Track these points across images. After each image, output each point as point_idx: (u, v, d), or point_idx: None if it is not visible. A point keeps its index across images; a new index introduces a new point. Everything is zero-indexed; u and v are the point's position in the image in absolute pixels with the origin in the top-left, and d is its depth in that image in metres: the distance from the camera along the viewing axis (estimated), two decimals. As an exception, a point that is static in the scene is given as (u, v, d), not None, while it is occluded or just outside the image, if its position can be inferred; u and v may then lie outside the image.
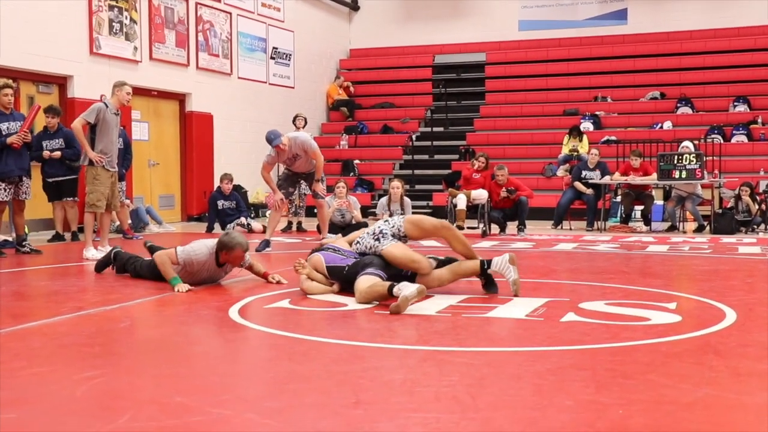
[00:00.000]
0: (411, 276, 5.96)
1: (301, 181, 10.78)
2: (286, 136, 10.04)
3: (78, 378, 3.68)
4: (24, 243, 9.44)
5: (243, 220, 13.18)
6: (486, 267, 5.99)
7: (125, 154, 11.69)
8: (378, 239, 6.09)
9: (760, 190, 14.30)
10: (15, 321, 5.09)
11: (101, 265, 7.61)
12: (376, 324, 5.04)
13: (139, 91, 14.37)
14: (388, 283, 5.53)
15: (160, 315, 5.55)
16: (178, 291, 6.34)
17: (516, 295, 5.86)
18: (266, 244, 9.79)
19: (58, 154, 11.14)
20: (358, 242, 6.25)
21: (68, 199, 11.47)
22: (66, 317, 5.23)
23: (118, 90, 9.25)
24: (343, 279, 6.08)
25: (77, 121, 9.14)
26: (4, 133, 9.17)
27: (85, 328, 4.90)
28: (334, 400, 3.36)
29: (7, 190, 9.30)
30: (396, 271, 5.99)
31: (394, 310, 5.24)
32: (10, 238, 10.20)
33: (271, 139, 9.88)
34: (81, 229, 11.75)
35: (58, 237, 11.43)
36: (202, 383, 3.68)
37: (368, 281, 5.71)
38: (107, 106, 9.10)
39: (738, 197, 13.31)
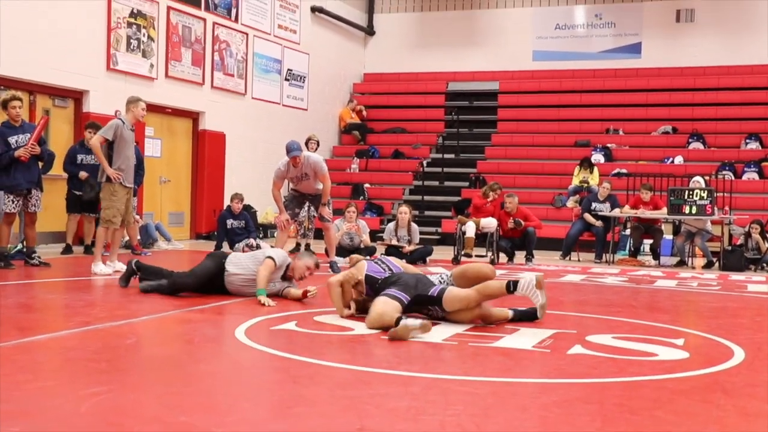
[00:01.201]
0: (437, 296, 5.91)
1: (308, 203, 10.76)
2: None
3: (83, 393, 3.68)
4: (33, 255, 9.47)
5: (252, 240, 13.18)
6: (512, 289, 5.88)
7: (138, 170, 11.67)
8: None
9: (770, 228, 14.23)
10: (21, 334, 5.10)
11: (126, 278, 7.62)
12: (382, 350, 5.03)
13: (153, 108, 14.47)
14: (396, 316, 5.47)
15: (167, 333, 5.55)
16: (267, 305, 6.61)
17: (539, 319, 5.87)
18: None
19: (84, 174, 11.29)
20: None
21: (88, 214, 11.55)
22: (73, 331, 5.23)
23: (133, 106, 9.29)
24: (375, 291, 6.09)
25: (95, 138, 9.23)
26: (13, 146, 9.20)
27: (91, 343, 4.91)
28: (339, 425, 3.35)
29: (16, 202, 9.33)
30: (420, 294, 5.94)
31: (392, 335, 5.23)
32: (21, 247, 10.20)
33: (292, 148, 9.84)
34: (94, 243, 11.82)
35: (68, 249, 11.48)
36: (207, 403, 3.67)
37: (383, 306, 5.65)
38: (124, 123, 9.17)
39: (748, 234, 13.26)
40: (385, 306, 5.67)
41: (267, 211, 17.01)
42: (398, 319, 5.38)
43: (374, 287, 6.14)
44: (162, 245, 13.18)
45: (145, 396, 3.75)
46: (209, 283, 7.24)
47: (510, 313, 6.02)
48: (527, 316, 6.07)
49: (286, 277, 7.20)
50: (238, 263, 7.23)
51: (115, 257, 9.33)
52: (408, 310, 5.90)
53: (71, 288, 7.84)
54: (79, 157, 11.46)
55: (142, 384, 4.00)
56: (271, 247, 12.94)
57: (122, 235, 9.80)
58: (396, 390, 3.98)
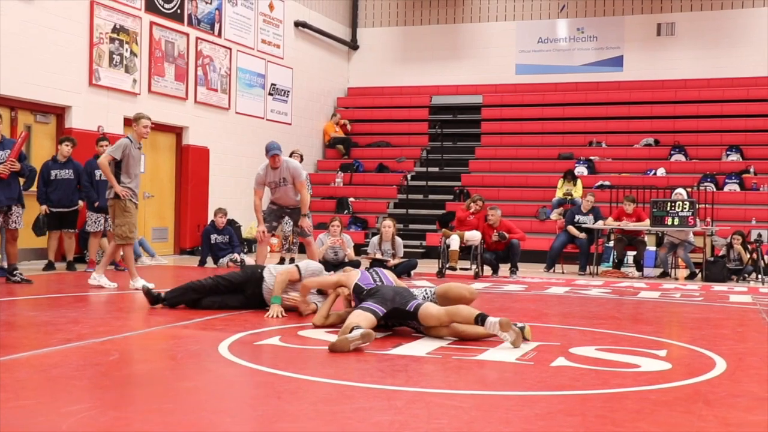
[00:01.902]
0: (413, 310, 5.93)
1: (286, 217, 10.72)
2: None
3: (64, 411, 3.66)
4: (15, 272, 9.41)
5: (236, 255, 13.16)
6: (479, 322, 5.74)
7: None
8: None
9: (752, 239, 14.33)
10: (3, 352, 5.06)
11: (154, 300, 7.50)
12: (365, 364, 5.02)
13: (136, 124, 14.46)
14: (353, 325, 5.49)
15: (150, 349, 5.53)
16: (272, 315, 6.75)
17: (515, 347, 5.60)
18: None
19: (44, 209, 11.35)
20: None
21: (68, 230, 11.53)
22: (54, 349, 5.20)
23: (135, 124, 9.40)
24: (359, 301, 6.15)
25: (103, 156, 9.35)
26: None
27: (73, 361, 4.88)
28: (322, 441, 3.34)
29: None
30: (398, 308, 5.97)
31: (331, 347, 5.27)
32: (4, 265, 10.13)
33: (271, 147, 9.90)
34: (77, 260, 11.80)
35: (50, 266, 11.43)
36: (190, 419, 3.66)
37: (355, 319, 5.68)
38: (131, 141, 9.21)
39: (730, 246, 13.35)
40: (357, 318, 5.69)
41: (251, 225, 16.97)
42: (353, 329, 5.40)
43: (359, 297, 6.20)
44: (146, 261, 13.13)
45: (128, 413, 3.73)
46: (239, 289, 7.33)
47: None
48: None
49: (321, 292, 7.19)
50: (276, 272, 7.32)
51: (102, 270, 9.40)
52: (385, 322, 6.01)
53: (54, 305, 7.79)
54: (53, 172, 11.41)
55: (125, 401, 3.98)
56: (254, 261, 12.97)
57: (117, 250, 9.83)
58: (379, 404, 3.98)
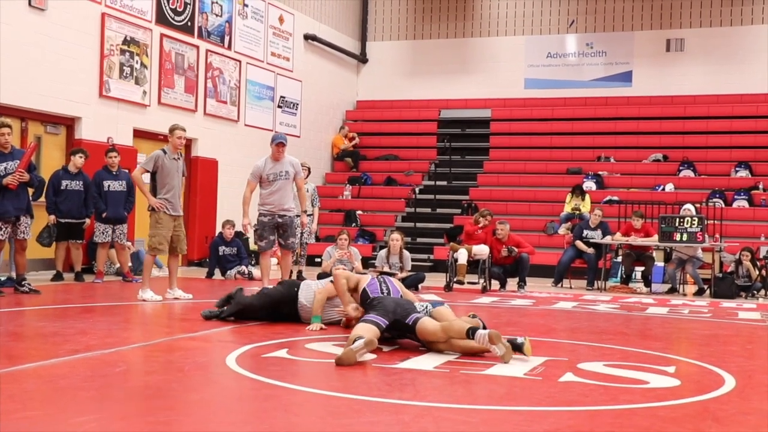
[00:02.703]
0: (411, 324, 5.97)
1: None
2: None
3: (72, 422, 3.66)
4: (23, 283, 9.43)
5: (244, 267, 13.16)
6: (471, 336, 5.71)
7: (128, 197, 11.78)
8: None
9: (761, 256, 14.29)
10: (10, 362, 5.07)
11: (210, 315, 7.54)
12: (373, 377, 5.01)
13: (145, 135, 14.53)
14: (355, 336, 5.51)
15: (157, 361, 5.53)
16: (311, 329, 6.80)
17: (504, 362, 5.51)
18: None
19: (53, 219, 11.35)
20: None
21: (75, 241, 11.56)
22: (62, 360, 5.21)
23: (170, 135, 9.48)
24: (362, 306, 6.22)
25: (136, 170, 9.53)
26: (1, 173, 9.17)
27: (81, 372, 4.88)
28: (329, 455, 3.33)
29: (4, 229, 9.30)
30: (398, 320, 6.00)
31: (337, 361, 5.27)
32: (13, 275, 10.15)
33: (278, 137, 9.92)
34: (85, 270, 11.81)
35: (58, 276, 11.45)
36: (197, 432, 3.66)
37: (359, 332, 5.68)
38: (165, 153, 9.28)
39: (739, 262, 13.30)
40: (360, 330, 5.71)
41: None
42: (354, 340, 5.41)
43: (364, 303, 6.27)
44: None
45: (135, 425, 3.73)
46: (276, 307, 7.38)
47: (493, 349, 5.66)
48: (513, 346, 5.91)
49: None
50: (310, 290, 7.30)
51: (175, 284, 9.49)
52: (388, 333, 6.06)
53: (61, 315, 7.80)
54: (64, 182, 11.42)
55: (132, 413, 3.98)
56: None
57: (178, 263, 9.86)
58: (387, 418, 3.97)
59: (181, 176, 9.52)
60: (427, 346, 5.98)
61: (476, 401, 4.54)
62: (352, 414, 4.05)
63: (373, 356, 5.52)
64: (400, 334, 6.18)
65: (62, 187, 11.41)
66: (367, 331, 5.70)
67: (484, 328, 5.76)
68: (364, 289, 6.37)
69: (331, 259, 11.77)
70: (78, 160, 11.49)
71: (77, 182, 11.47)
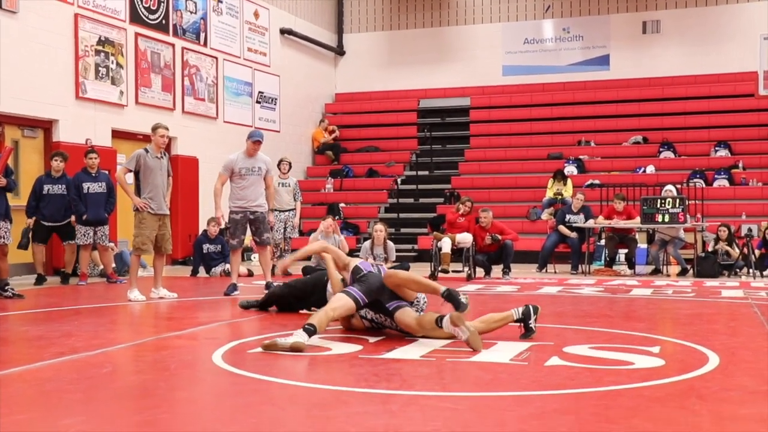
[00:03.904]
0: (391, 309, 6.03)
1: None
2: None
3: (59, 425, 3.65)
4: (6, 288, 9.36)
5: (228, 265, 13.11)
6: (440, 324, 5.74)
7: (108, 198, 11.72)
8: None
9: (742, 234, 14.40)
10: (-4, 367, 5.04)
11: (248, 305, 8.07)
12: (359, 368, 5.02)
13: (124, 135, 14.46)
14: (311, 319, 5.65)
15: (143, 360, 5.51)
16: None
17: (476, 351, 5.48)
18: (233, 287, 9.75)
19: (30, 222, 11.36)
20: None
21: (68, 242, 11.51)
22: (48, 363, 5.19)
23: (152, 134, 9.44)
24: (353, 281, 6.27)
25: (119, 170, 9.57)
26: None
27: (66, 374, 4.87)
28: (317, 447, 3.34)
29: None
30: (379, 301, 6.07)
31: (264, 346, 5.49)
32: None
33: (256, 134, 9.92)
34: (74, 272, 11.75)
35: (40, 279, 11.40)
36: (185, 430, 3.66)
37: (335, 302, 5.93)
38: (148, 152, 9.24)
39: (718, 240, 13.41)
40: (338, 302, 5.93)
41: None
42: (307, 327, 5.53)
43: (354, 277, 6.30)
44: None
45: (122, 425, 3.73)
46: (306, 296, 7.63)
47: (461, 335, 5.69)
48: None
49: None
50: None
51: (160, 283, 9.43)
52: (364, 311, 6.24)
53: (46, 319, 7.77)
54: (46, 187, 11.38)
55: (119, 413, 3.97)
56: (248, 270, 12.96)
57: (164, 262, 9.82)
58: (374, 408, 3.98)
59: (166, 175, 9.46)
60: (400, 330, 6.11)
61: (463, 388, 4.56)
62: (339, 405, 4.06)
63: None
64: (375, 314, 6.22)
65: (45, 192, 11.35)
66: (343, 305, 5.92)
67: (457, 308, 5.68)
68: (357, 265, 6.38)
69: (318, 233, 11.80)
70: (57, 164, 11.42)
71: (60, 186, 11.40)
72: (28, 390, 4.50)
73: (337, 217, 18.34)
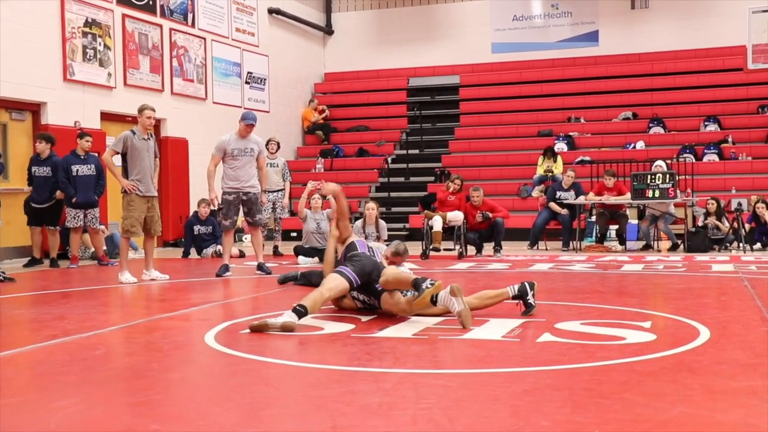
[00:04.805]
0: (379, 291, 6.05)
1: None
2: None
3: (52, 407, 3.65)
4: (-3, 271, 9.35)
5: (219, 246, 13.10)
6: (434, 300, 5.76)
7: (98, 181, 11.68)
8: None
9: (732, 208, 14.45)
10: (-12, 350, 5.04)
11: (285, 279, 8.49)
12: (352, 348, 5.03)
13: (113, 117, 14.39)
14: (304, 300, 5.66)
15: (136, 342, 5.51)
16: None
17: (464, 327, 5.50)
18: (225, 268, 9.75)
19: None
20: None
21: (51, 227, 11.47)
22: (40, 345, 5.18)
23: (139, 116, 9.38)
24: (346, 258, 6.28)
25: (106, 152, 9.47)
26: None
27: (59, 357, 4.86)
28: (311, 425, 3.35)
29: None
30: (369, 283, 6.07)
31: (252, 327, 5.50)
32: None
33: (249, 116, 9.88)
34: (60, 256, 11.73)
35: (34, 261, 11.38)
36: (178, 411, 3.66)
37: (330, 282, 5.94)
38: (135, 134, 9.20)
39: (708, 213, 13.46)
40: (332, 282, 5.93)
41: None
42: (297, 308, 5.55)
43: (347, 253, 6.31)
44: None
45: (115, 407, 3.73)
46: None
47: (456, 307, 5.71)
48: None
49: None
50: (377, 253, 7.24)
51: (151, 265, 9.40)
52: (356, 293, 6.23)
53: (38, 302, 7.76)
54: (33, 169, 11.38)
55: (112, 395, 3.97)
56: (240, 251, 12.94)
57: (154, 244, 9.77)
58: (367, 387, 3.99)
59: (153, 157, 9.41)
60: (383, 310, 6.10)
61: (456, 366, 4.58)
62: (332, 384, 4.07)
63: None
64: (366, 296, 6.22)
65: (31, 173, 11.36)
66: (338, 285, 5.92)
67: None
68: (353, 241, 6.38)
69: (306, 193, 11.77)
70: (38, 146, 11.40)
71: (45, 168, 11.37)
72: (21, 373, 4.50)
73: (327, 198, 18.30)
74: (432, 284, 5.69)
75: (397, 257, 7.02)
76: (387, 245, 11.87)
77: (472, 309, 5.86)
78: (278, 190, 13.43)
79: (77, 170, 11.45)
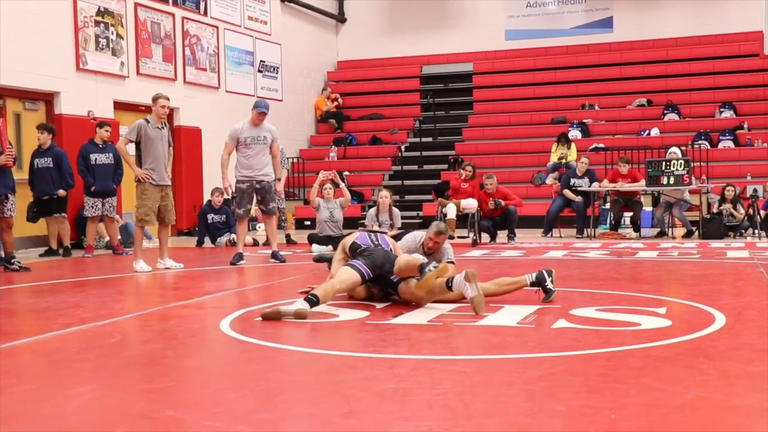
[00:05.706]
0: (395, 282, 6.01)
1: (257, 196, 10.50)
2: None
3: (69, 394, 3.67)
4: (12, 261, 9.39)
5: (233, 235, 13.13)
6: (450, 285, 5.77)
7: (116, 170, 11.72)
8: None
9: (747, 195, 14.37)
10: (4, 338, 5.06)
11: (321, 259, 8.98)
12: (367, 334, 5.04)
13: (126, 107, 14.41)
14: (316, 290, 5.69)
15: (151, 330, 5.53)
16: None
17: (477, 314, 5.50)
18: (239, 257, 9.76)
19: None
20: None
21: (57, 215, 11.50)
22: (56, 333, 5.21)
23: (153, 105, 9.37)
24: (352, 257, 6.26)
25: (120, 141, 9.49)
26: None
27: (75, 344, 4.89)
28: (326, 411, 3.36)
29: None
30: (383, 275, 6.04)
31: (264, 314, 5.49)
32: (1, 254, 10.11)
33: (261, 104, 9.89)
34: (74, 245, 11.77)
35: (51, 252, 11.43)
36: (194, 397, 3.68)
37: (341, 276, 5.92)
38: (148, 122, 9.20)
39: (723, 200, 13.39)
40: (344, 275, 5.92)
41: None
42: (308, 296, 5.58)
43: (354, 254, 6.30)
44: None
45: (131, 393, 3.74)
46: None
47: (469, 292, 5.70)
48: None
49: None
50: (406, 242, 7.11)
51: (166, 254, 9.44)
52: (368, 286, 6.24)
53: (53, 291, 7.79)
54: (36, 161, 11.38)
55: (128, 382, 3.99)
56: (253, 240, 12.97)
57: (168, 233, 9.80)
58: (383, 373, 4.00)
59: (167, 146, 9.41)
60: (402, 299, 6.07)
61: (470, 351, 4.58)
62: (347, 370, 4.07)
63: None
64: (381, 289, 6.22)
65: (35, 167, 11.36)
66: (349, 277, 5.90)
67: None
68: (354, 242, 6.37)
69: (318, 181, 11.76)
70: (40, 136, 11.41)
71: (45, 159, 11.35)
72: (37, 360, 4.53)
73: (339, 186, 18.31)
74: (435, 267, 5.69)
75: (440, 236, 6.81)
76: (400, 231, 11.97)
77: (489, 295, 5.87)
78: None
79: (95, 159, 11.49)
